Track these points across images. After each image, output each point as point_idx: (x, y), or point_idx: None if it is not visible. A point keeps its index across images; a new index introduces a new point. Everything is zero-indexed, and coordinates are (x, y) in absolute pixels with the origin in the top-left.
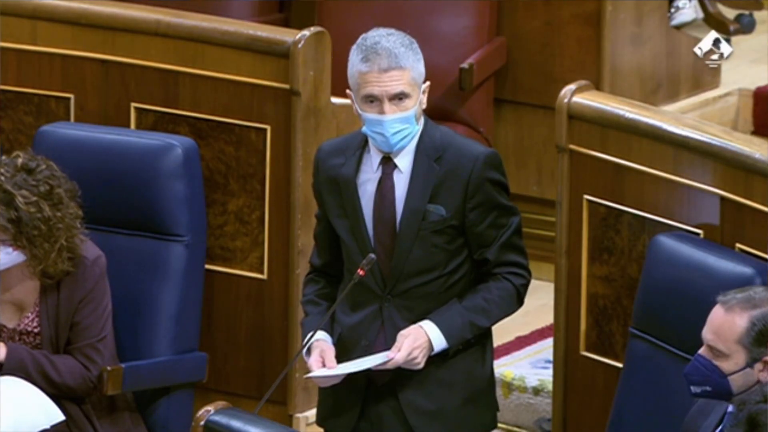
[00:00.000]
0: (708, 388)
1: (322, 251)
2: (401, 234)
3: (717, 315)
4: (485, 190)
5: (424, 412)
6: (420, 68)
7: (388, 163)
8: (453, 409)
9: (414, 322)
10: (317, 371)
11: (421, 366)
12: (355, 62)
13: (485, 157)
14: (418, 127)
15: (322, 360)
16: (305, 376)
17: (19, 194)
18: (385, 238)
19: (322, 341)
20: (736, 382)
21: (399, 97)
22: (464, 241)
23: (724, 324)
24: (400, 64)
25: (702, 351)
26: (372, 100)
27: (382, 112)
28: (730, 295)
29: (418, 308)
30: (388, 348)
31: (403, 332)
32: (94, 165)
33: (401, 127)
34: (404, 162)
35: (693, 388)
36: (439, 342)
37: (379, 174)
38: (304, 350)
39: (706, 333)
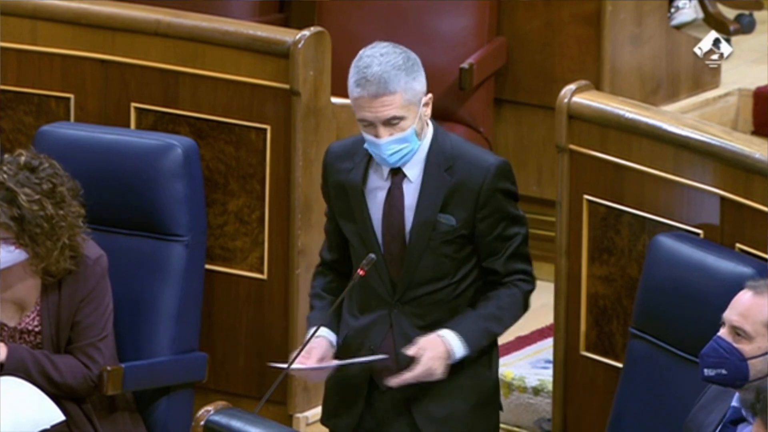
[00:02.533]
0: (723, 371)
1: (333, 247)
2: (411, 244)
3: (745, 297)
4: (496, 200)
5: (436, 417)
6: (416, 87)
7: (397, 173)
8: (463, 413)
9: (423, 328)
10: (295, 365)
11: (439, 377)
12: (350, 83)
13: (496, 168)
14: (420, 142)
15: (306, 358)
16: (275, 364)
17: (22, 192)
18: (394, 247)
19: (321, 338)
20: (755, 367)
21: (392, 121)
22: (473, 249)
23: (754, 306)
24: (389, 89)
25: (722, 333)
26: (366, 124)
27: (377, 135)
28: (760, 281)
29: (427, 315)
30: (394, 354)
31: (420, 344)
32: (94, 165)
33: (398, 147)
34: (414, 172)
35: (706, 371)
36: (459, 350)
37: (388, 183)
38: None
39: (731, 315)
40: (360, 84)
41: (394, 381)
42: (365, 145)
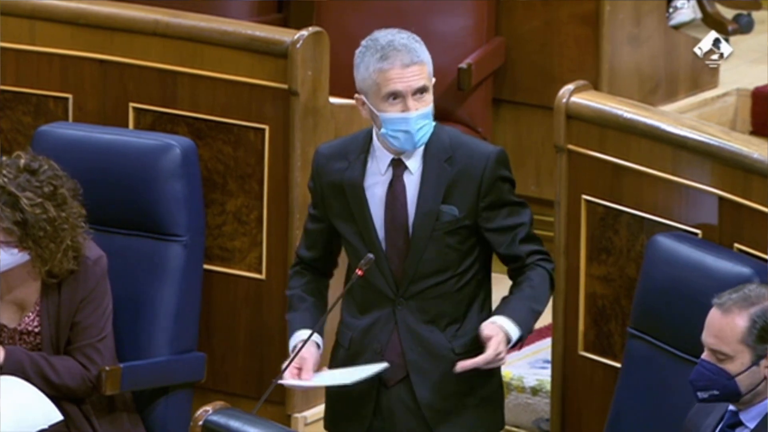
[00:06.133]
0: (715, 392)
1: (314, 247)
2: (415, 236)
3: (715, 318)
4: (497, 188)
5: (443, 411)
6: (431, 63)
7: (398, 165)
8: (470, 408)
9: (427, 323)
10: (291, 381)
11: (505, 361)
12: (370, 63)
13: (496, 155)
14: (433, 123)
15: (298, 369)
16: (279, 381)
17: (24, 196)
18: (398, 240)
19: (308, 345)
20: (743, 382)
21: (421, 91)
22: (476, 240)
23: (725, 326)
24: (419, 57)
25: (705, 356)
26: (395, 96)
27: (405, 108)
28: (725, 296)
29: (431, 309)
30: (400, 351)
31: (483, 331)
32: (92, 165)
33: (424, 122)
34: (414, 164)
35: (700, 394)
36: (515, 332)
37: (388, 177)
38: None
39: (707, 337)
40: (388, 56)
41: (462, 364)
42: (383, 132)
